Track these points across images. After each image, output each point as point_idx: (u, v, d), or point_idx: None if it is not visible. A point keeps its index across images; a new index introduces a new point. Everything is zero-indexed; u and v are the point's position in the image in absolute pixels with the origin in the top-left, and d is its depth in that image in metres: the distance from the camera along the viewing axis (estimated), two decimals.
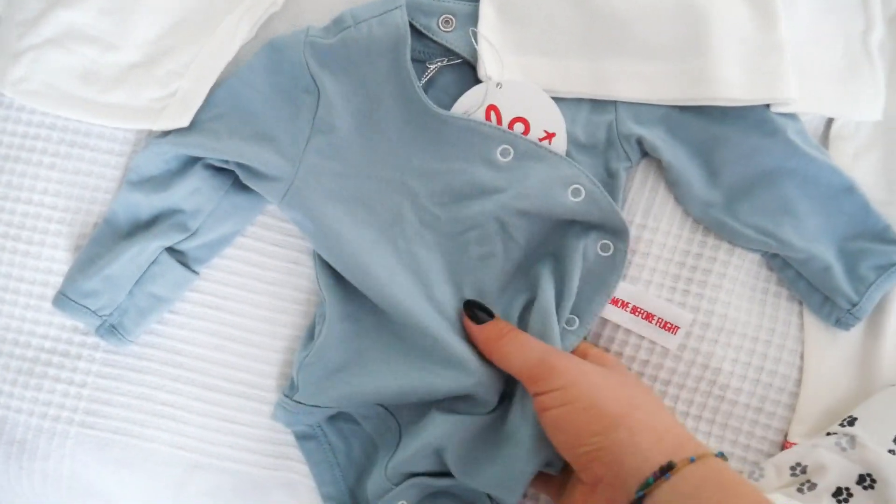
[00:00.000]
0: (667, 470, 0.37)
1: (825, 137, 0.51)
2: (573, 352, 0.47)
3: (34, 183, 0.51)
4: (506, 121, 0.48)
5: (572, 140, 0.48)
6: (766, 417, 0.49)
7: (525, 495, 0.49)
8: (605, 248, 0.48)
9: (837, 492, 0.45)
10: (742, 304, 0.50)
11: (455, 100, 0.48)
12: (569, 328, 0.47)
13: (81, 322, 0.49)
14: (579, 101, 0.49)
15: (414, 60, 0.48)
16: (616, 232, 0.47)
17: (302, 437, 0.49)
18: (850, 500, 0.45)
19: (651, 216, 0.50)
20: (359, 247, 0.47)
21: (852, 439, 0.46)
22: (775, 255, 0.50)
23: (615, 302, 0.49)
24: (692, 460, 0.37)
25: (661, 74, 0.48)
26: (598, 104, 0.49)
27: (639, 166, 0.51)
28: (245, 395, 0.51)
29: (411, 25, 0.48)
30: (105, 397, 0.50)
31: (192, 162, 0.48)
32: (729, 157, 0.48)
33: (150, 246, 0.47)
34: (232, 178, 0.49)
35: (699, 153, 0.49)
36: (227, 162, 0.48)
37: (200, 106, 0.48)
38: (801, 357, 0.50)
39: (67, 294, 0.48)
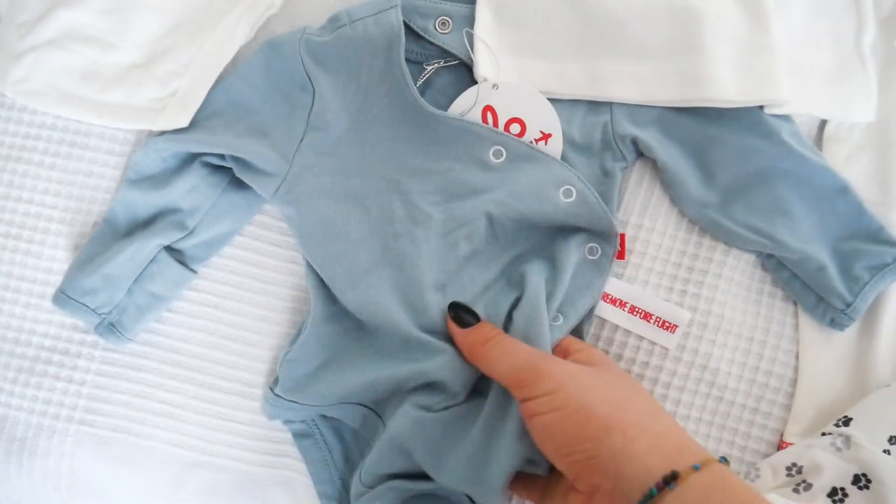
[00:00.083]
0: (671, 480, 0.35)
1: (819, 139, 0.52)
2: (556, 345, 0.46)
3: (35, 183, 0.51)
4: (502, 122, 0.48)
5: (568, 140, 0.49)
6: (763, 418, 0.49)
7: (510, 499, 0.49)
8: (592, 251, 0.48)
9: (833, 492, 0.45)
10: (738, 304, 0.50)
11: (452, 101, 0.49)
12: (554, 323, 0.47)
13: (80, 320, 0.49)
14: (575, 101, 0.49)
15: (411, 62, 0.48)
16: (604, 235, 0.48)
17: (299, 436, 0.50)
18: (846, 500, 0.45)
19: (647, 216, 0.50)
20: (346, 243, 0.47)
21: (847, 439, 0.46)
22: (770, 256, 0.50)
23: (613, 302, 0.49)
24: (696, 468, 0.36)
25: (656, 76, 0.48)
26: (593, 105, 0.49)
27: (634, 166, 0.51)
28: (243, 393, 0.51)
29: (409, 27, 0.48)
30: (104, 395, 0.50)
31: (189, 160, 0.49)
32: (723, 157, 0.49)
33: (149, 244, 0.48)
34: (229, 176, 0.50)
35: (694, 154, 0.49)
36: (223, 158, 0.48)
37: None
38: (797, 357, 0.50)
39: (67, 292, 0.48)
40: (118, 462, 0.50)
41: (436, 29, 0.49)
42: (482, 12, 0.49)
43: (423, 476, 0.45)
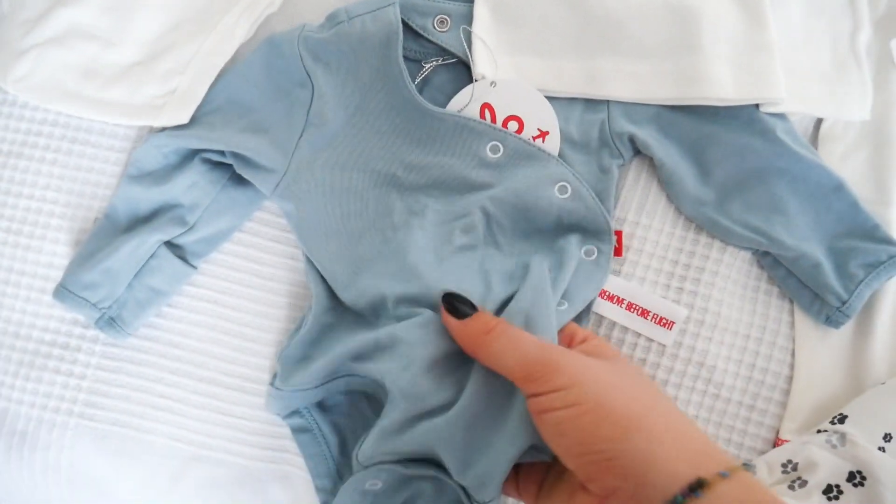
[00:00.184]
0: (697, 487, 0.33)
1: (814, 137, 0.52)
2: (561, 331, 0.44)
3: (36, 179, 0.52)
4: (500, 119, 0.49)
5: (566, 138, 0.49)
6: (759, 415, 0.49)
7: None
8: (589, 252, 0.48)
9: (828, 489, 0.45)
10: (734, 301, 0.50)
11: (450, 99, 0.49)
12: (558, 308, 0.46)
13: (81, 314, 0.49)
14: (572, 99, 0.49)
15: (409, 59, 0.49)
16: (599, 234, 0.48)
17: (297, 430, 0.50)
18: (841, 497, 0.45)
19: (644, 214, 0.51)
20: (346, 238, 0.48)
21: (843, 437, 0.46)
22: (766, 254, 0.50)
23: (610, 298, 0.49)
24: (724, 475, 0.33)
25: (653, 74, 0.48)
26: (590, 103, 0.49)
27: (632, 164, 0.51)
28: (242, 388, 0.51)
29: (407, 25, 0.49)
30: (104, 389, 0.51)
31: (190, 156, 0.49)
32: (720, 155, 0.49)
33: (149, 240, 0.48)
34: (229, 172, 0.50)
35: (691, 151, 0.50)
36: (223, 154, 0.48)
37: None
38: (793, 355, 0.50)
39: (67, 286, 0.48)
40: (118, 455, 0.50)
41: (434, 27, 0.49)
42: (480, 11, 0.49)
43: (418, 460, 0.44)
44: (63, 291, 0.48)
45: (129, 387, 0.51)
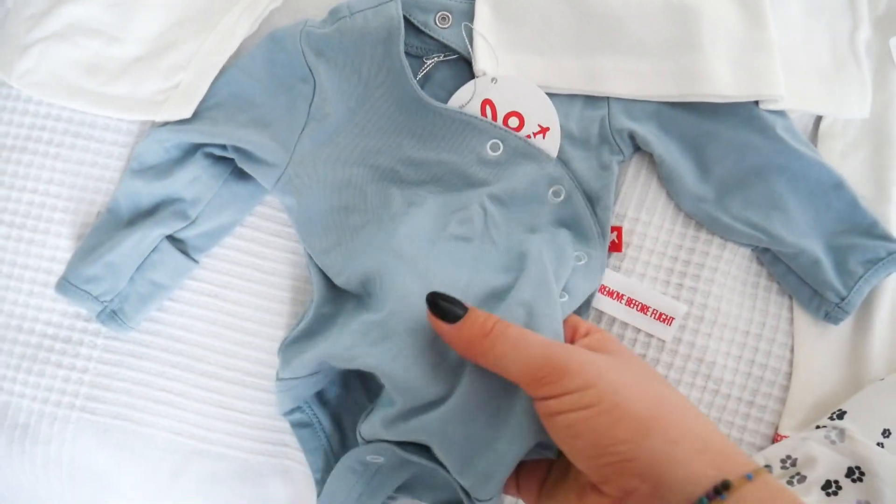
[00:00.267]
0: (722, 489, 0.32)
1: (814, 135, 0.52)
2: (564, 324, 0.43)
3: (39, 173, 0.52)
4: (501, 115, 0.49)
5: (566, 134, 0.49)
6: (758, 411, 0.50)
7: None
8: (579, 258, 0.48)
9: (827, 484, 0.45)
10: (733, 298, 0.50)
11: (451, 95, 0.49)
12: (560, 300, 0.46)
13: (83, 307, 0.49)
14: (572, 96, 0.50)
15: (411, 55, 0.49)
16: (588, 240, 0.48)
17: (297, 425, 0.50)
18: (839, 492, 0.45)
19: (644, 210, 0.51)
20: (346, 232, 0.48)
21: (842, 432, 0.46)
22: (765, 250, 0.50)
23: (610, 294, 0.50)
24: (749, 478, 0.32)
25: (653, 72, 0.49)
26: (590, 99, 0.50)
27: (632, 160, 0.51)
28: (243, 382, 0.51)
29: (409, 21, 0.49)
30: (106, 383, 0.51)
31: (192, 151, 0.49)
32: (719, 152, 0.49)
33: (151, 234, 0.48)
34: (231, 166, 0.50)
35: (690, 148, 0.50)
36: (225, 148, 0.49)
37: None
38: (792, 351, 0.50)
39: (70, 279, 0.48)
40: (119, 449, 0.50)
41: (436, 23, 0.49)
42: (481, 8, 0.49)
43: (420, 447, 0.42)
44: (65, 284, 0.49)
45: (130, 380, 0.51)
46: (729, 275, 0.50)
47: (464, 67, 0.50)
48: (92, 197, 0.52)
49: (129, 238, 0.48)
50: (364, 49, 0.48)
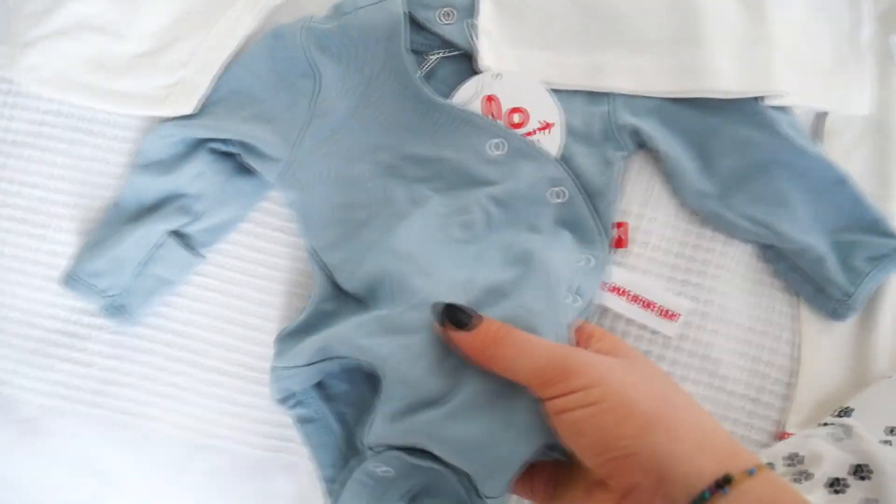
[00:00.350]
0: (724, 483, 0.32)
1: (817, 131, 0.52)
2: (576, 331, 0.43)
3: (44, 168, 0.52)
4: (504, 111, 0.49)
5: (569, 130, 0.49)
6: (763, 408, 0.49)
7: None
8: (587, 261, 0.48)
9: (832, 482, 0.45)
10: (738, 295, 0.50)
11: (454, 91, 0.49)
12: (573, 304, 0.46)
13: (88, 301, 0.50)
14: (575, 92, 0.50)
15: (414, 52, 0.49)
16: (591, 242, 0.48)
17: (302, 421, 0.50)
18: (846, 490, 0.45)
19: (648, 206, 0.51)
20: (349, 227, 0.48)
21: (848, 430, 0.46)
22: (770, 247, 0.50)
23: (615, 290, 0.50)
24: (751, 473, 0.33)
25: (655, 67, 0.49)
26: (593, 95, 0.50)
27: (636, 156, 0.51)
28: (247, 377, 0.51)
29: (412, 18, 0.49)
30: (111, 377, 0.51)
31: (196, 146, 0.50)
32: (722, 148, 0.49)
33: (156, 229, 0.48)
34: (234, 162, 0.50)
35: (693, 144, 0.50)
36: (228, 143, 0.49)
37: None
38: (797, 348, 0.50)
39: (75, 273, 0.49)
40: (124, 444, 0.51)
41: (439, 19, 0.50)
42: (484, 4, 0.50)
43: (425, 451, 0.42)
44: (71, 278, 0.49)
45: (135, 375, 0.51)
46: (733, 271, 0.50)
47: (467, 63, 0.50)
48: (96, 192, 0.52)
49: (133, 233, 0.48)
50: (367, 45, 0.48)
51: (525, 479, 0.41)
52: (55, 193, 0.52)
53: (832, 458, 0.45)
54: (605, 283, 0.50)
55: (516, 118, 0.49)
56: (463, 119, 0.48)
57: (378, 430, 0.43)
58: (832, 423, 0.47)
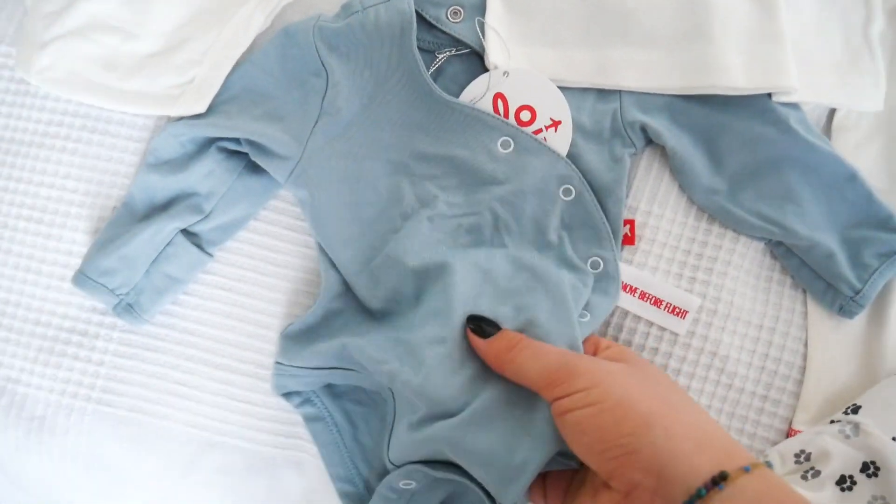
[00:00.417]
0: (719, 480, 0.33)
1: (827, 128, 0.52)
2: (585, 341, 0.45)
3: (56, 168, 0.53)
4: (513, 109, 0.49)
5: (578, 127, 0.49)
6: (771, 405, 0.49)
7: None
8: (594, 264, 0.48)
9: (841, 479, 0.45)
10: (747, 291, 0.50)
11: (463, 89, 0.49)
12: (581, 320, 0.47)
13: (99, 300, 0.50)
14: (585, 89, 0.50)
15: (423, 50, 0.49)
16: (600, 240, 0.48)
17: (310, 419, 0.50)
18: (854, 487, 0.45)
19: (656, 203, 0.51)
20: (358, 225, 0.48)
21: (856, 427, 0.46)
22: (779, 243, 0.50)
23: (623, 287, 0.49)
24: (746, 470, 0.34)
25: (664, 64, 0.49)
26: (602, 92, 0.50)
27: (644, 153, 0.51)
28: (256, 375, 0.51)
29: (420, 16, 0.49)
30: (121, 375, 0.51)
31: (206, 145, 0.50)
32: (732, 145, 0.49)
33: (166, 227, 0.49)
34: (245, 161, 0.51)
35: (703, 141, 0.50)
36: (239, 142, 0.49)
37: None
38: (805, 345, 0.50)
39: (86, 272, 0.49)
40: (134, 441, 0.51)
41: (447, 18, 0.50)
42: (493, 2, 0.50)
43: (446, 463, 0.43)
44: (81, 277, 0.49)
45: (145, 373, 0.51)
46: (742, 268, 0.50)
47: (476, 61, 0.50)
48: (108, 191, 0.52)
49: (144, 231, 0.48)
50: (376, 44, 0.48)
51: (539, 487, 0.43)
52: (68, 193, 0.52)
53: (841, 455, 0.45)
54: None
55: (525, 116, 0.49)
56: (472, 117, 0.48)
57: (397, 444, 0.44)
58: (841, 421, 0.47)
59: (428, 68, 0.49)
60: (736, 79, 0.47)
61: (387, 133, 0.49)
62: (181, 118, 0.50)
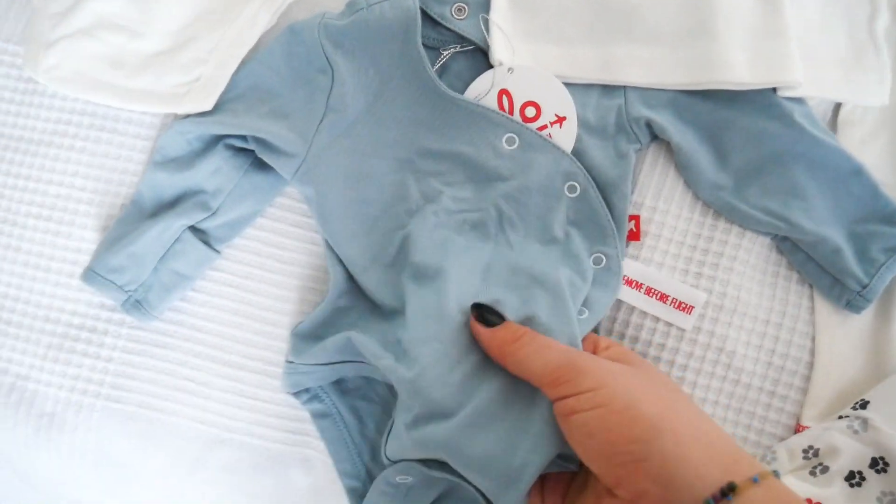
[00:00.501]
0: (728, 491, 0.33)
1: (833, 122, 0.52)
2: (583, 341, 0.44)
3: (65, 166, 0.53)
4: (517, 105, 0.49)
5: (583, 123, 0.49)
6: (779, 401, 0.49)
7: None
8: (597, 260, 0.48)
9: (850, 475, 0.45)
10: (753, 287, 0.50)
11: (468, 85, 0.49)
12: (579, 317, 0.47)
13: (108, 297, 0.50)
14: (589, 85, 0.50)
15: (428, 47, 0.50)
16: (604, 237, 0.48)
17: (317, 416, 0.50)
18: (863, 483, 0.45)
19: (662, 198, 0.51)
20: (364, 222, 0.48)
21: (865, 422, 0.46)
22: (785, 239, 0.50)
23: (629, 283, 0.49)
24: (755, 481, 0.33)
25: (669, 60, 0.48)
26: (607, 88, 0.50)
27: (649, 149, 0.51)
28: (265, 371, 0.52)
29: (425, 13, 0.49)
30: (130, 372, 0.52)
31: (213, 142, 0.50)
32: (737, 140, 0.49)
33: (174, 224, 0.49)
34: (251, 158, 0.51)
35: (708, 136, 0.50)
36: (245, 139, 0.49)
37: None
38: (813, 340, 0.50)
39: (95, 269, 0.49)
40: (143, 437, 0.51)
41: (452, 15, 0.50)
42: None
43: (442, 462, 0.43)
44: (91, 274, 0.49)
45: (154, 370, 0.52)
46: (748, 263, 0.50)
47: (480, 58, 0.50)
48: (116, 189, 0.53)
49: (152, 229, 0.49)
50: (381, 41, 0.49)
51: (536, 490, 0.42)
52: (77, 191, 0.53)
53: (850, 451, 0.45)
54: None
55: (530, 112, 0.49)
56: (477, 113, 0.48)
57: (395, 442, 0.44)
58: (849, 416, 0.46)
59: (433, 65, 0.49)
60: (741, 74, 0.47)
61: (392, 130, 0.49)
62: (188, 116, 0.51)
